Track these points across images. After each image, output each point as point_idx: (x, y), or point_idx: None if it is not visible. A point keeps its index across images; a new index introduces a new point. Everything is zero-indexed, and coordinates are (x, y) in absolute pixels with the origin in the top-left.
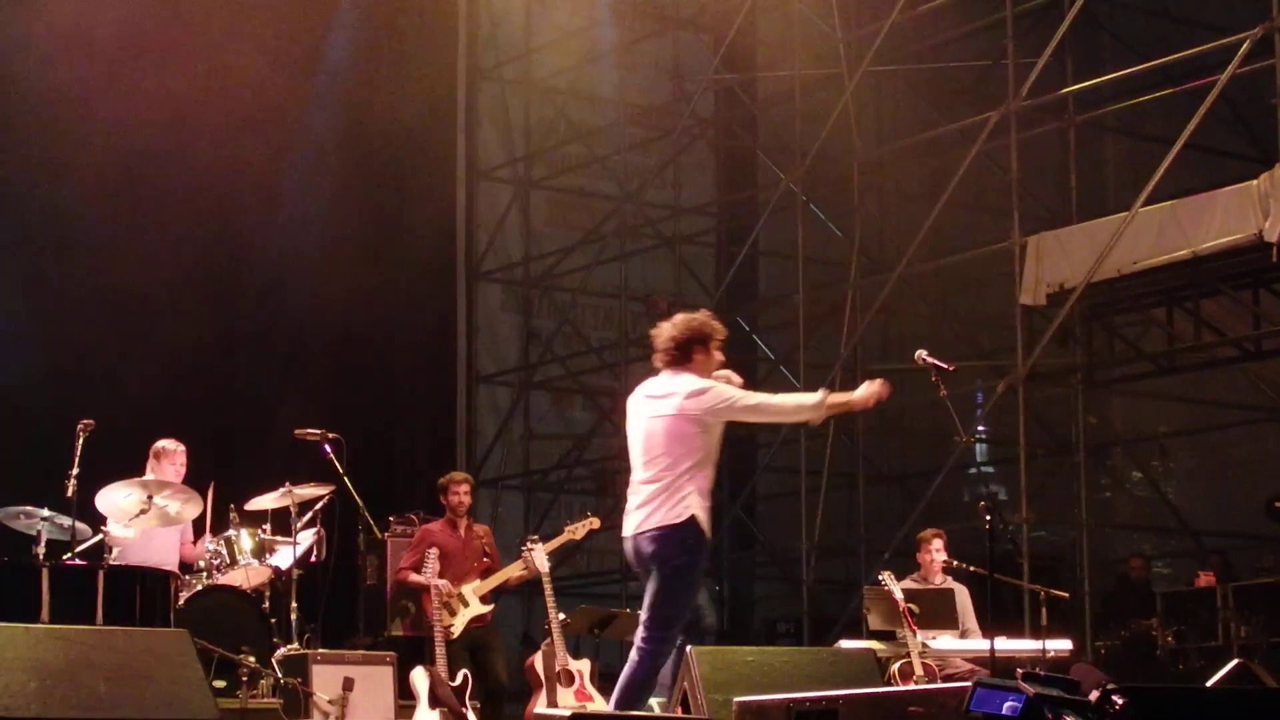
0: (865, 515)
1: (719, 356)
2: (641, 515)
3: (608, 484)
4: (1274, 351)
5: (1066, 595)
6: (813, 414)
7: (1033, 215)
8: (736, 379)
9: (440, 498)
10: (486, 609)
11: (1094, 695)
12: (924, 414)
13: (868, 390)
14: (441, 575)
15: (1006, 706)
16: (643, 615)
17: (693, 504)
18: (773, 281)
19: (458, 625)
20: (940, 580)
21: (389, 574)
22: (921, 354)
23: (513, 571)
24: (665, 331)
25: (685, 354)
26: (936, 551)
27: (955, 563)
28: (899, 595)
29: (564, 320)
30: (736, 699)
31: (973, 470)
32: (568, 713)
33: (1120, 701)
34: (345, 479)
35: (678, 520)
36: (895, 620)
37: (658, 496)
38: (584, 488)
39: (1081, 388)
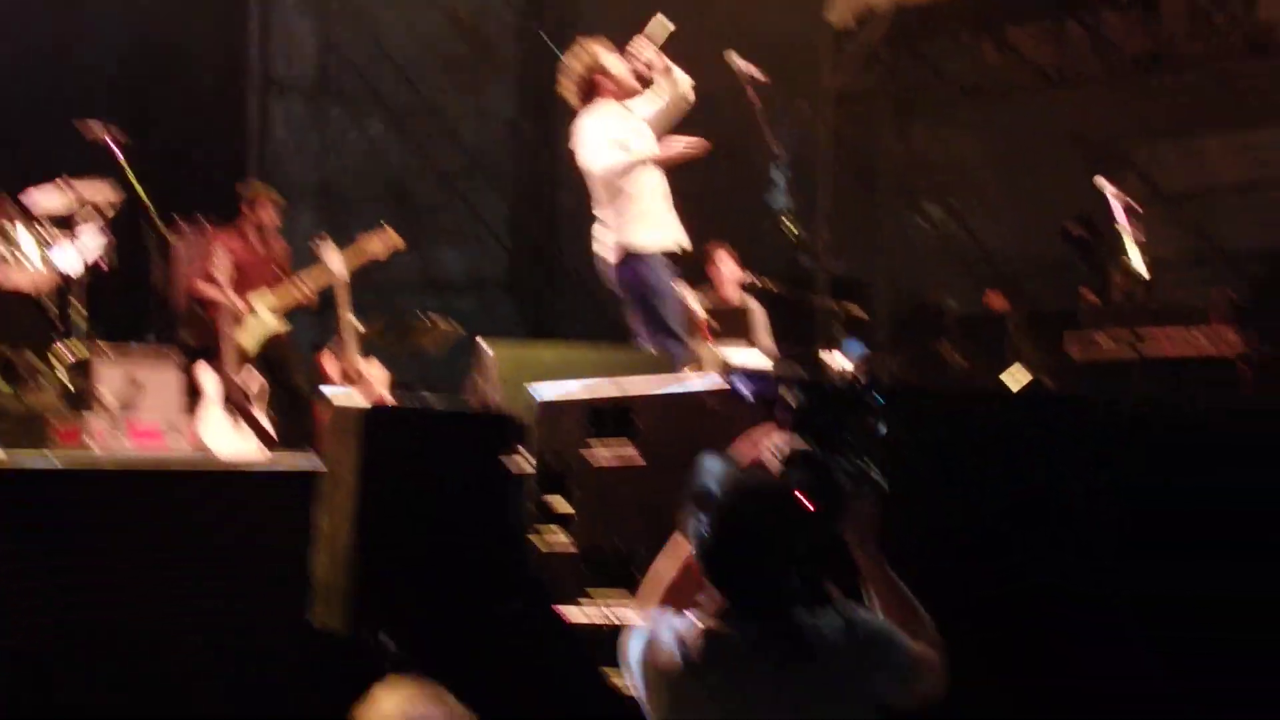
0: None
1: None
2: None
3: (403, 200)
4: (1080, 80)
5: (862, 314)
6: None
7: None
8: None
9: (244, 208)
10: (280, 326)
11: (839, 375)
12: (726, 136)
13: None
14: (235, 288)
15: (738, 384)
16: None
17: None
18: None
19: (250, 340)
20: (735, 296)
21: (177, 278)
22: (734, 57)
23: (307, 283)
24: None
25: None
26: (723, 262)
27: (752, 279)
28: (695, 307)
29: (363, 30)
30: (535, 392)
31: (770, 192)
32: (365, 402)
33: (863, 381)
34: (132, 177)
35: None
36: (690, 332)
37: None
38: (380, 201)
39: (887, 112)
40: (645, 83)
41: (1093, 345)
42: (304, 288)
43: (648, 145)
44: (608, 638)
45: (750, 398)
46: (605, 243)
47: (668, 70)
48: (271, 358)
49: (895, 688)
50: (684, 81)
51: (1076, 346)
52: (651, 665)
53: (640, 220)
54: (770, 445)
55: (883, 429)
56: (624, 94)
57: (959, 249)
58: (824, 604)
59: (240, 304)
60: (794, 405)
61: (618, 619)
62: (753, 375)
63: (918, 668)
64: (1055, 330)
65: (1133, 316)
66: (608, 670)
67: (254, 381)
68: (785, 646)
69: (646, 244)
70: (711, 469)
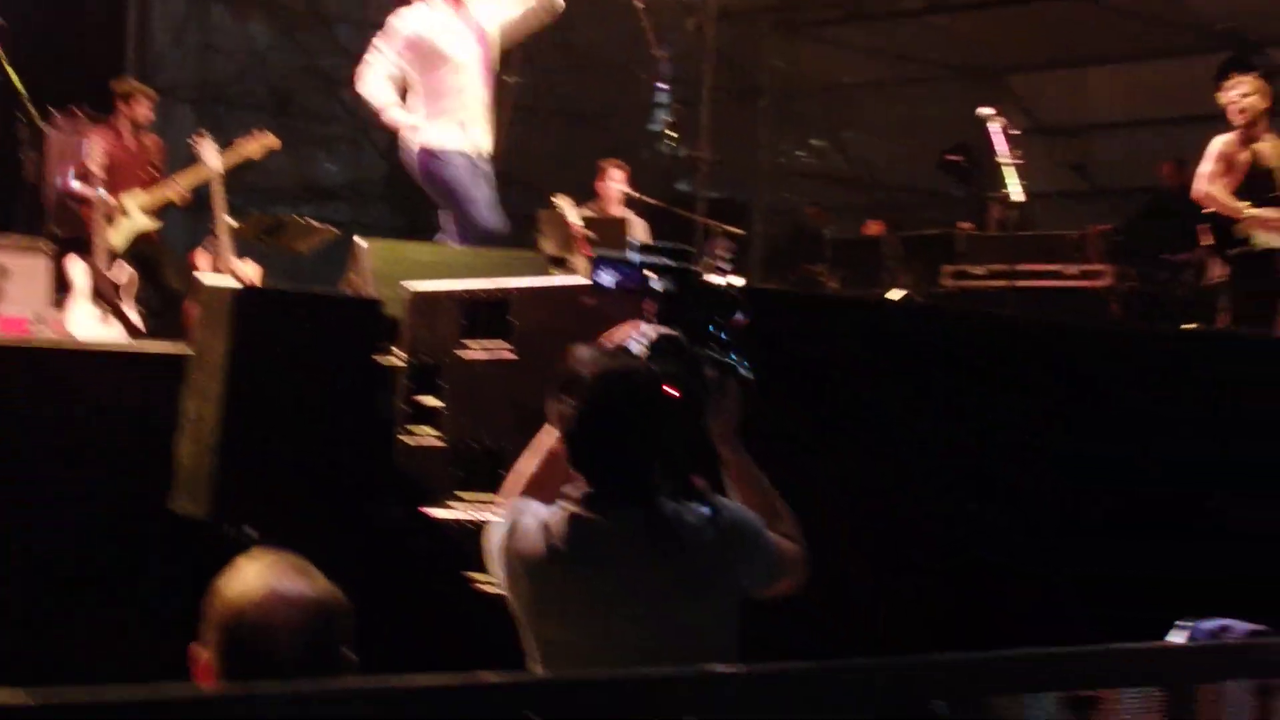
0: (546, 150)
1: None
2: None
3: (285, 105)
4: (964, 5)
5: (739, 232)
6: None
7: None
8: None
9: (119, 103)
10: (152, 224)
11: (705, 264)
12: (612, 52)
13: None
14: (108, 183)
15: (605, 275)
16: None
17: None
18: None
19: (120, 238)
20: (617, 210)
21: (49, 171)
22: None
23: (183, 184)
24: None
25: None
26: (614, 181)
27: (634, 194)
28: (574, 219)
29: None
30: (409, 285)
31: (654, 110)
32: (237, 284)
33: (727, 270)
34: (7, 65)
35: None
36: (569, 246)
37: None
38: (260, 106)
39: (771, 30)
40: None
41: (966, 275)
42: (178, 186)
43: (456, 50)
44: (474, 539)
45: (613, 286)
46: (409, 136)
47: None
48: (143, 255)
49: (758, 580)
50: None
51: (951, 276)
52: (515, 552)
53: (438, 118)
54: (637, 334)
55: (745, 319)
56: None
57: (838, 173)
58: (690, 494)
59: (112, 200)
60: (661, 294)
61: (485, 520)
62: (617, 264)
63: (781, 561)
64: (931, 259)
65: (1008, 248)
66: (472, 574)
67: (123, 274)
68: (650, 535)
69: (441, 143)
70: (581, 355)
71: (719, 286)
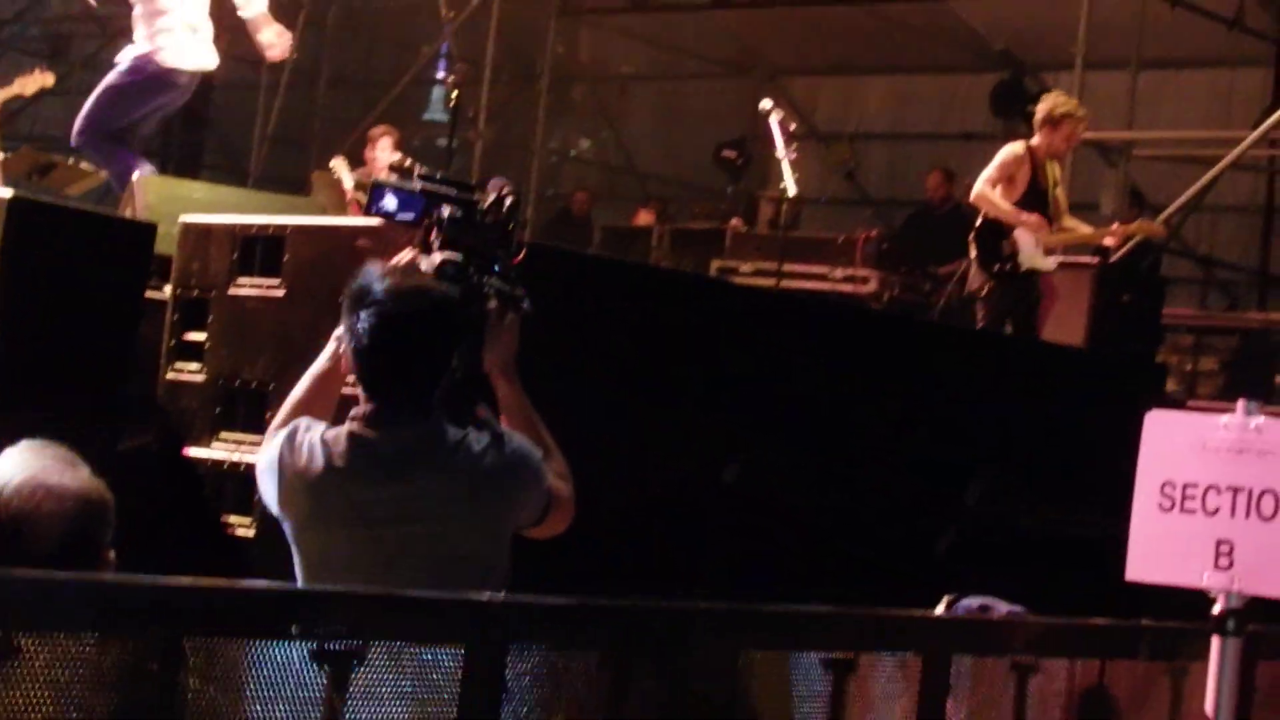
0: (323, 116)
1: None
2: None
3: (62, 48)
4: (743, 4)
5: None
6: None
7: None
8: None
9: None
10: None
11: (489, 198)
12: (395, 22)
13: None
14: None
15: (389, 204)
16: None
17: None
18: None
19: None
20: (388, 177)
21: None
22: None
23: None
24: None
25: None
26: (383, 150)
27: (406, 162)
28: (349, 183)
29: None
30: (183, 218)
31: (433, 85)
32: (9, 193)
33: (511, 204)
34: None
35: None
36: (342, 209)
37: None
38: (37, 49)
39: (554, 14)
40: None
41: (733, 272)
42: None
43: None
44: (232, 479)
45: (394, 213)
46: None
47: None
48: None
49: (532, 514)
50: None
51: (719, 270)
52: (291, 466)
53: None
54: (422, 258)
55: (522, 253)
56: None
57: (613, 162)
58: (473, 421)
59: None
60: (446, 221)
61: (245, 461)
62: (400, 191)
63: (555, 500)
64: (699, 253)
65: (776, 247)
66: (230, 517)
67: None
68: (431, 455)
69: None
70: (375, 271)
71: (502, 218)
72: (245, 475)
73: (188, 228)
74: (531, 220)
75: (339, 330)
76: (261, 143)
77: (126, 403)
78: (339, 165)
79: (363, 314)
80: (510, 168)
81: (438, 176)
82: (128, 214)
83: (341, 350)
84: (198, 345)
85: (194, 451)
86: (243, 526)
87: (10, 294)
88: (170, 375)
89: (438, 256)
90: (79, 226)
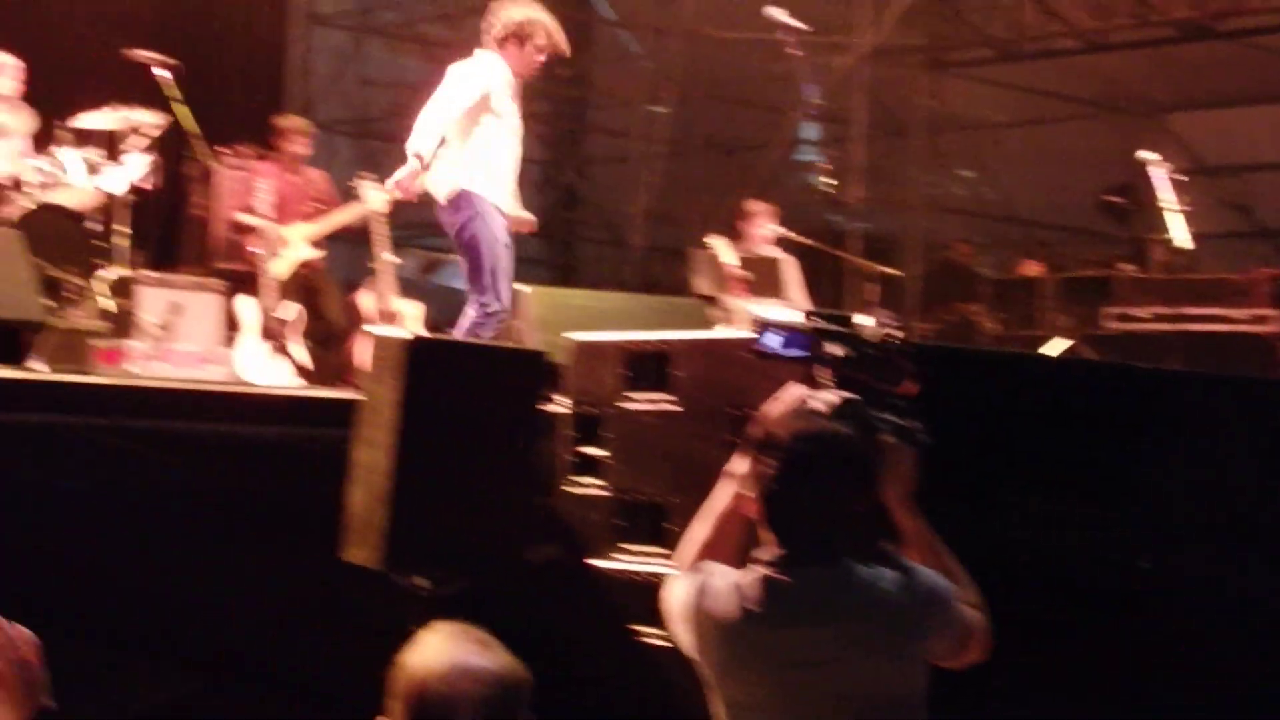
0: (695, 185)
1: (538, 59)
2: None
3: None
4: (1117, 45)
5: (898, 273)
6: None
7: None
8: None
9: (278, 141)
10: (315, 254)
11: (874, 332)
12: (761, 87)
13: None
14: (272, 219)
15: (774, 341)
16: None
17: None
18: None
19: (283, 267)
20: (767, 251)
21: (218, 207)
22: (772, 11)
23: (343, 217)
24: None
25: (499, 43)
26: (759, 226)
27: (786, 233)
28: (729, 260)
29: None
30: (572, 336)
31: (804, 147)
32: (409, 334)
33: (898, 337)
34: (180, 106)
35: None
36: (722, 286)
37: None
38: None
39: (923, 69)
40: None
41: (1130, 318)
42: (340, 220)
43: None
44: (638, 591)
45: (779, 351)
46: (441, 182)
47: None
48: (306, 285)
49: (948, 648)
50: None
51: (1113, 319)
52: (705, 614)
53: (485, 169)
54: (812, 397)
55: (915, 385)
56: (524, 67)
57: (991, 210)
58: (881, 558)
59: (277, 234)
60: (834, 359)
61: (650, 573)
62: (783, 328)
63: (970, 631)
64: (1090, 300)
65: (1171, 291)
66: (639, 627)
67: (290, 311)
68: (845, 597)
69: (485, 192)
70: (776, 417)
71: (891, 352)
72: (650, 587)
73: (577, 346)
74: (915, 274)
75: (732, 466)
76: (639, 216)
77: (531, 516)
78: (717, 243)
79: (769, 460)
80: (886, 224)
81: (823, 311)
82: (516, 324)
83: (741, 491)
84: (595, 460)
85: (597, 563)
86: (654, 637)
87: (413, 430)
88: (570, 489)
89: (832, 396)
90: (475, 359)
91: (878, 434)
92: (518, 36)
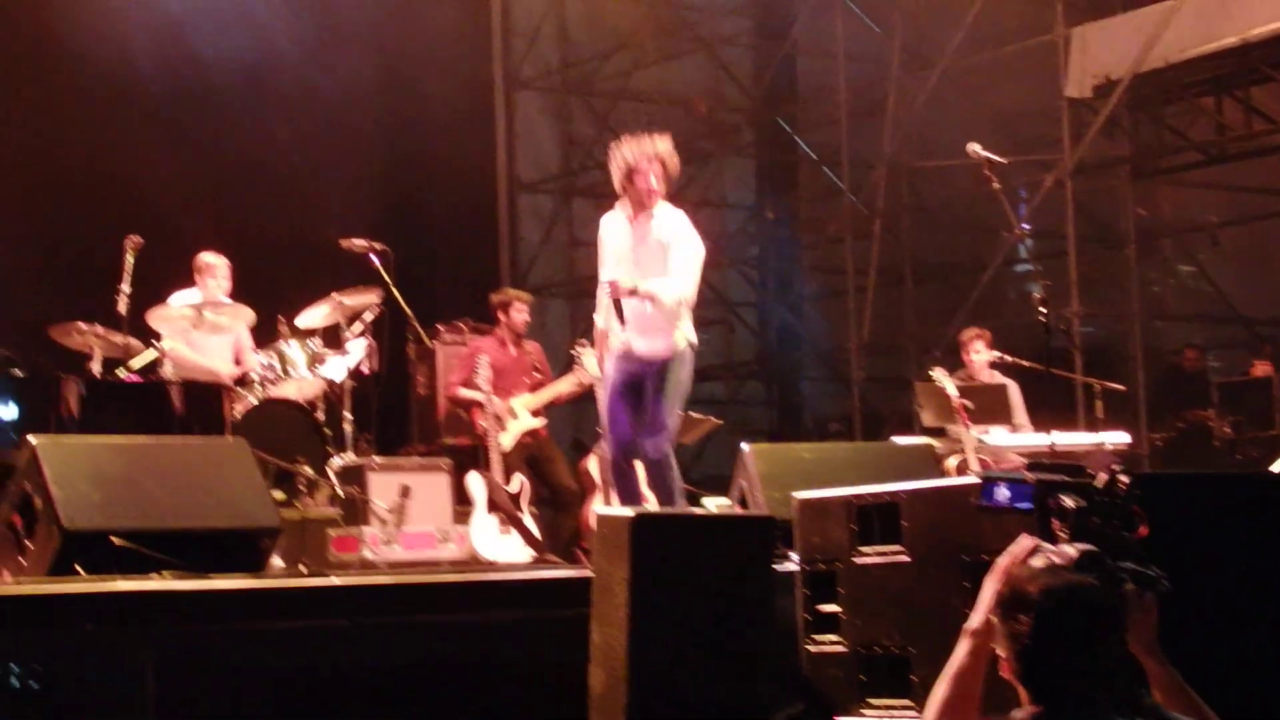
0: (911, 313)
1: (640, 188)
2: None
3: None
4: None
5: (1121, 388)
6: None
7: (1075, 5)
8: None
9: (498, 313)
10: (538, 422)
11: (1102, 478)
12: (967, 210)
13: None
14: (495, 390)
15: (1002, 495)
16: None
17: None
18: (812, 80)
19: (509, 439)
20: (989, 376)
21: (440, 384)
22: (974, 147)
23: (564, 386)
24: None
25: (621, 188)
26: (976, 352)
27: (1005, 357)
28: (952, 391)
29: (604, 126)
30: (796, 494)
31: (1019, 266)
32: (632, 511)
33: (1126, 482)
34: (394, 289)
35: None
36: (948, 416)
37: None
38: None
39: (1129, 179)
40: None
41: None
42: (561, 390)
43: None
44: None
45: (1007, 505)
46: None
47: None
48: (532, 455)
49: None
50: None
51: None
52: None
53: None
54: (1050, 549)
55: (1147, 529)
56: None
57: (1212, 312)
58: (1139, 710)
59: (501, 407)
60: (1068, 511)
61: None
62: (1010, 481)
63: None
64: None
65: None
66: None
67: (516, 483)
68: None
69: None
70: (1026, 574)
71: (1120, 497)
72: None
73: (804, 504)
74: (1142, 382)
75: (970, 623)
76: (859, 350)
77: (773, 678)
78: (939, 374)
79: (1021, 618)
80: (1106, 335)
81: (1051, 464)
82: (742, 484)
83: (976, 647)
84: (832, 616)
85: None
86: None
87: (647, 606)
88: (810, 647)
89: (1071, 549)
90: (700, 529)
91: (1118, 582)
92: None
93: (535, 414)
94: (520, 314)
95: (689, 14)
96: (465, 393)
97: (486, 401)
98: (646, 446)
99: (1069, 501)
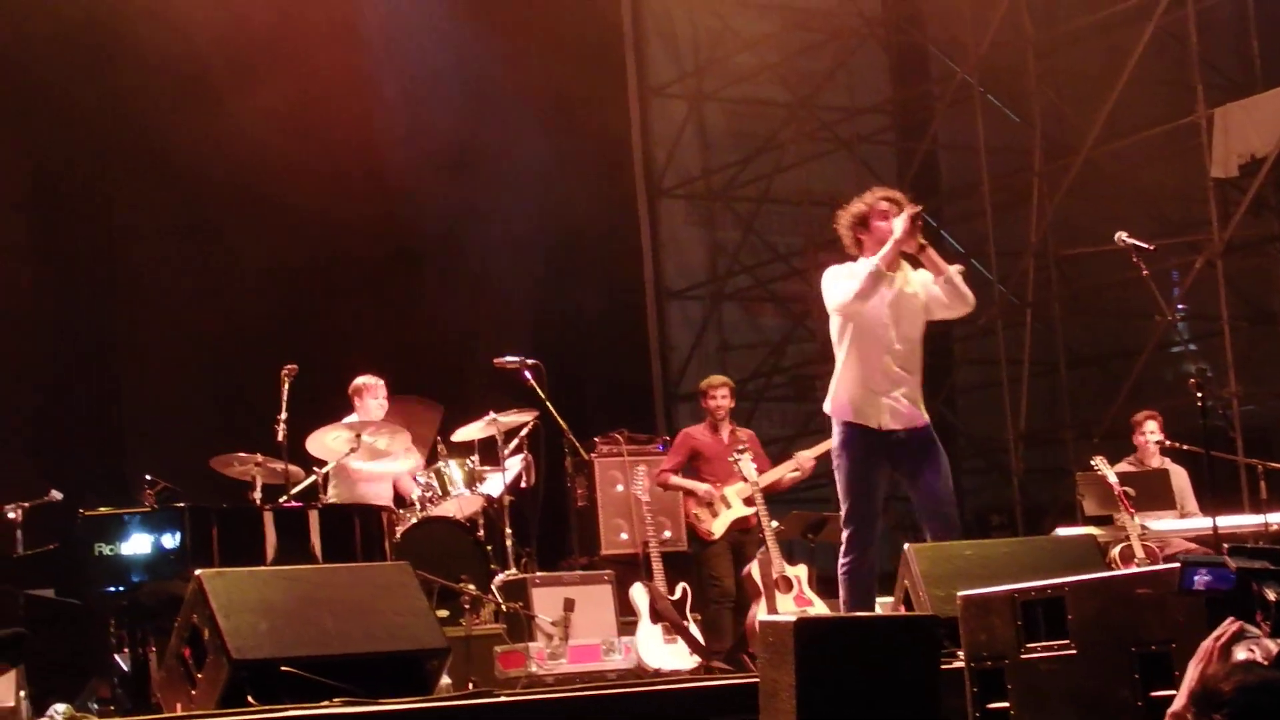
0: (1068, 400)
1: (883, 226)
2: None
3: (805, 391)
4: None
5: None
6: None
7: (1215, 85)
8: None
9: (701, 402)
10: (749, 511)
11: None
12: (1118, 294)
13: (901, 223)
14: (702, 478)
15: (1202, 581)
16: None
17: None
18: (954, 174)
19: (719, 527)
20: (1156, 462)
21: (599, 495)
22: (1121, 236)
23: (784, 471)
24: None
25: (855, 243)
26: (1150, 433)
27: (1170, 442)
28: (1113, 479)
29: (749, 230)
30: (959, 593)
31: (1174, 349)
32: (793, 617)
33: None
34: (548, 403)
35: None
36: (1110, 504)
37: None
38: (783, 394)
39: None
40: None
41: None
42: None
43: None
44: None
45: (1205, 589)
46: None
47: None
48: (738, 547)
49: None
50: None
51: None
52: None
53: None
54: (1250, 642)
55: None
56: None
57: None
58: None
59: (714, 495)
60: (1269, 604)
61: None
62: (1210, 566)
63: None
64: None
65: None
66: None
67: (680, 590)
68: None
69: (842, 413)
70: (1218, 671)
71: None
72: None
73: (968, 601)
74: None
75: (1174, 707)
76: (1017, 440)
77: None
78: (1100, 463)
79: (1216, 717)
80: (1267, 413)
81: (1253, 549)
82: (906, 583)
83: None
84: (1002, 713)
85: None
86: None
87: (813, 710)
88: None
89: (1272, 644)
90: (864, 633)
91: None
92: (859, 223)
93: (746, 502)
94: (713, 400)
95: (827, 114)
96: (675, 480)
97: (699, 492)
98: None
99: (1271, 595)
